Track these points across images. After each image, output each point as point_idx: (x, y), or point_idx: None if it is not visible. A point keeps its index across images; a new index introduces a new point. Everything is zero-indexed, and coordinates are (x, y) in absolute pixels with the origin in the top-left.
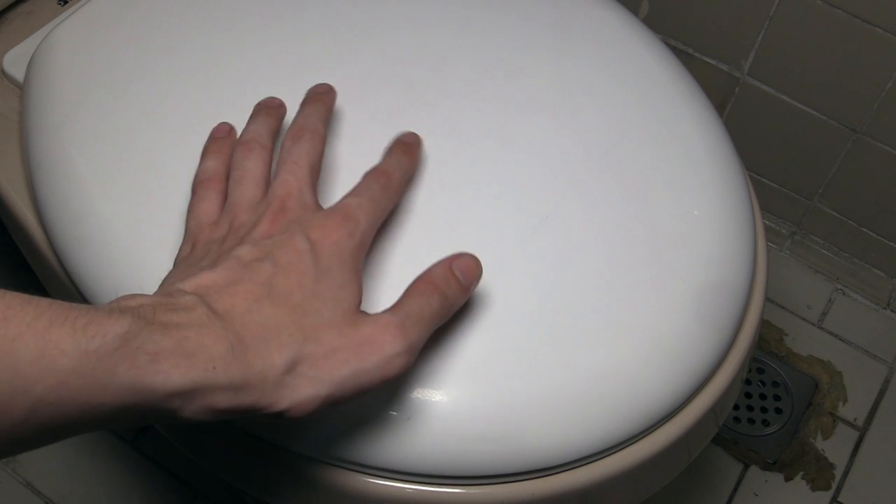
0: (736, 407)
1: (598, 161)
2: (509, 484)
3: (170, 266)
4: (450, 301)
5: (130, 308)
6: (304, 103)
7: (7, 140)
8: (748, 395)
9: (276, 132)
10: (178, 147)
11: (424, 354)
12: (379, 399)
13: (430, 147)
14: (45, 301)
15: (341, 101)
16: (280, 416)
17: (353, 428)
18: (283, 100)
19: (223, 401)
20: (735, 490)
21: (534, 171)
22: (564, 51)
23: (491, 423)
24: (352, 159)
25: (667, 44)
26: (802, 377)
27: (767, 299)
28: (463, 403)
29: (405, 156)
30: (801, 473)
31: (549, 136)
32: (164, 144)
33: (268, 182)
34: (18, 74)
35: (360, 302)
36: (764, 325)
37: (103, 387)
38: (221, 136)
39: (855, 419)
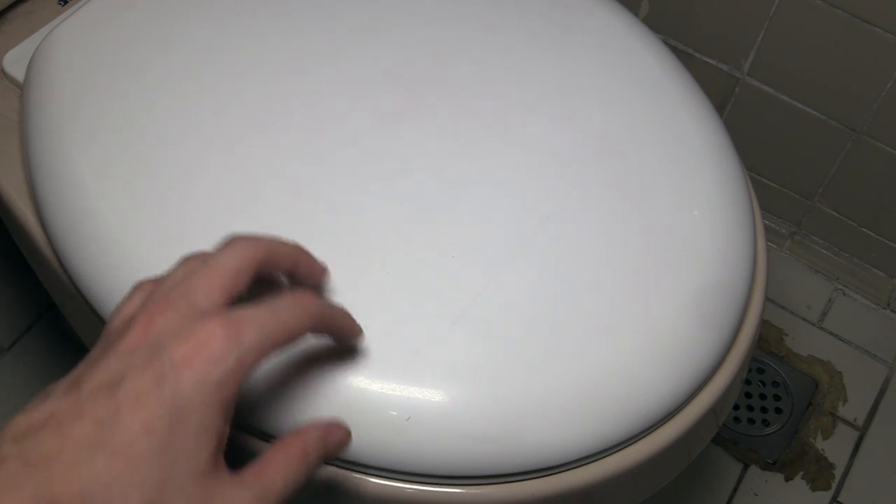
0: (736, 407)
1: (598, 161)
2: (509, 484)
3: (170, 265)
4: (312, 469)
5: None
6: None
7: (7, 140)
8: (748, 395)
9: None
10: (178, 146)
11: (424, 354)
12: (379, 399)
13: (430, 147)
14: None
15: (342, 102)
16: None
17: (353, 428)
18: (285, 99)
19: None
20: (735, 490)
21: (534, 170)
22: (565, 51)
23: (491, 423)
24: (352, 159)
25: (667, 44)
26: (802, 377)
27: (767, 299)
28: (463, 403)
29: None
30: (801, 473)
31: (549, 136)
32: (164, 144)
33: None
34: (18, 74)
35: (220, 449)
36: (764, 325)
37: None
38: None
39: (855, 419)
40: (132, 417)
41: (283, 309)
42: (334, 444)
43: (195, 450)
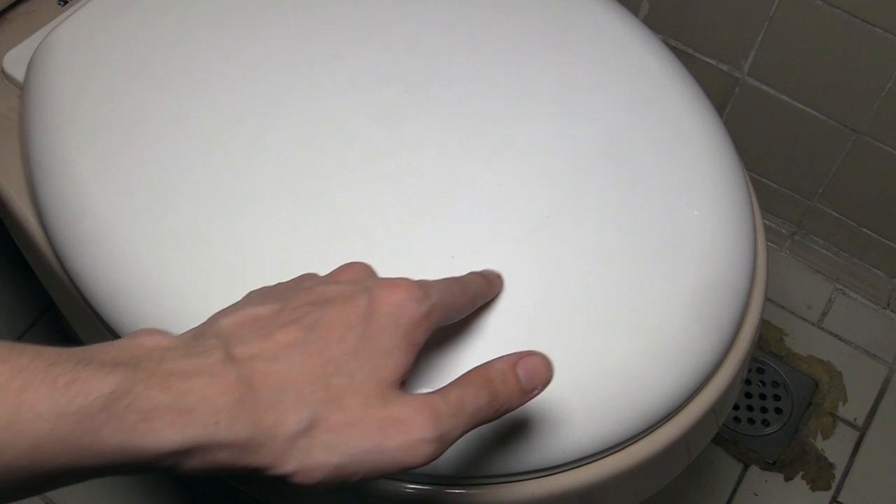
0: (736, 407)
1: (597, 161)
2: (509, 484)
3: (168, 266)
4: (500, 401)
5: (133, 356)
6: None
7: (7, 140)
8: (748, 395)
9: None
10: (179, 146)
11: (424, 355)
12: None
13: (430, 145)
14: (27, 355)
15: (342, 100)
16: (284, 479)
17: None
18: (284, 99)
19: (225, 458)
20: (735, 490)
21: (534, 170)
22: (565, 51)
23: (491, 423)
24: (352, 158)
25: (667, 44)
26: (802, 377)
27: (767, 299)
28: None
29: (484, 280)
30: (801, 473)
31: (549, 136)
32: (164, 144)
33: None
34: (18, 74)
35: (401, 378)
36: (764, 325)
37: (84, 449)
38: None
39: (855, 419)
40: (328, 331)
41: (467, 282)
42: (528, 367)
43: (376, 366)
